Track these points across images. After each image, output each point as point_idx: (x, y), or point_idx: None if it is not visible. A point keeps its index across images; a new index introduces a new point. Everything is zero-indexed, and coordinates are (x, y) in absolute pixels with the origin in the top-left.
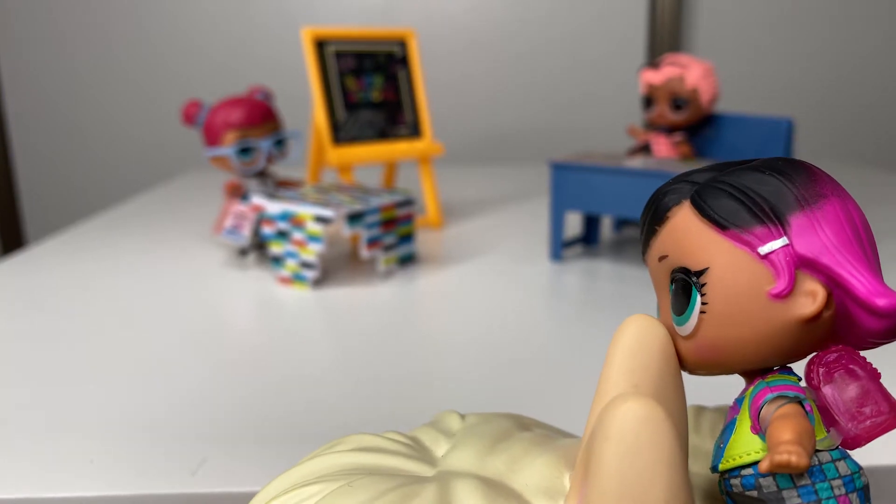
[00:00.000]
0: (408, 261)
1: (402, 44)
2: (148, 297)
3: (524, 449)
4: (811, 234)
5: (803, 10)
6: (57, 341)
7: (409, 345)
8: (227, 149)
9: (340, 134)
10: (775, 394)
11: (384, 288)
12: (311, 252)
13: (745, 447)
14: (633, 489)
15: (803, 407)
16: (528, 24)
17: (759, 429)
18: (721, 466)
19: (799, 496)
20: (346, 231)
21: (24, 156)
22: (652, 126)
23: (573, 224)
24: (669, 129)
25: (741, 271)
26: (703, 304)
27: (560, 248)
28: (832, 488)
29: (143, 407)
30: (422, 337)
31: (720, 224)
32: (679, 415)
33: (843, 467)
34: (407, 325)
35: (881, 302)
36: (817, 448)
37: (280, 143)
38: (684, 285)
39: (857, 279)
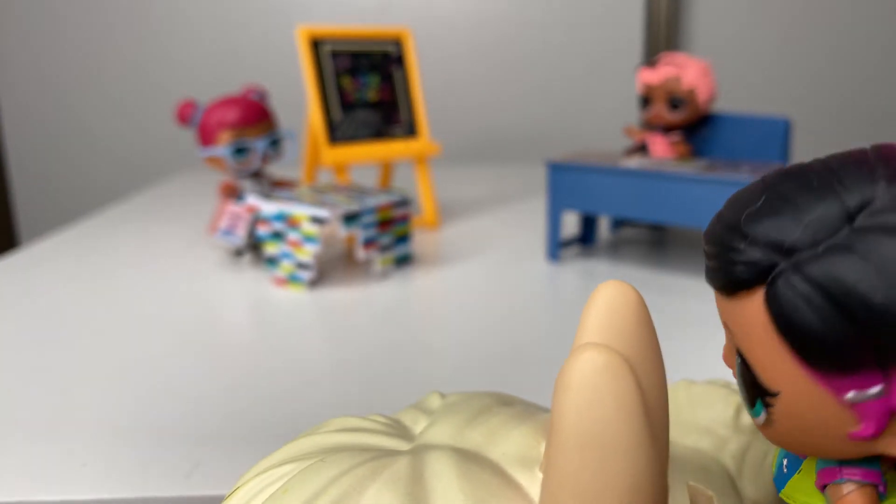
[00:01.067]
0: (404, 261)
1: (398, 43)
2: (142, 299)
3: (502, 421)
4: None
5: (800, 9)
6: (50, 343)
7: (405, 345)
8: (222, 149)
9: (336, 134)
10: (844, 478)
11: (380, 288)
12: (307, 253)
13: (807, 496)
14: (593, 439)
15: (877, 488)
16: (525, 23)
17: (821, 487)
18: (783, 495)
19: None
20: (341, 231)
21: (17, 156)
22: (649, 126)
23: (570, 224)
24: (666, 129)
25: (816, 410)
26: (769, 414)
27: (557, 247)
28: None
29: (137, 409)
30: (418, 337)
31: (802, 356)
32: (653, 377)
33: None
34: (403, 325)
35: None
36: None
37: (275, 143)
38: (747, 378)
39: None
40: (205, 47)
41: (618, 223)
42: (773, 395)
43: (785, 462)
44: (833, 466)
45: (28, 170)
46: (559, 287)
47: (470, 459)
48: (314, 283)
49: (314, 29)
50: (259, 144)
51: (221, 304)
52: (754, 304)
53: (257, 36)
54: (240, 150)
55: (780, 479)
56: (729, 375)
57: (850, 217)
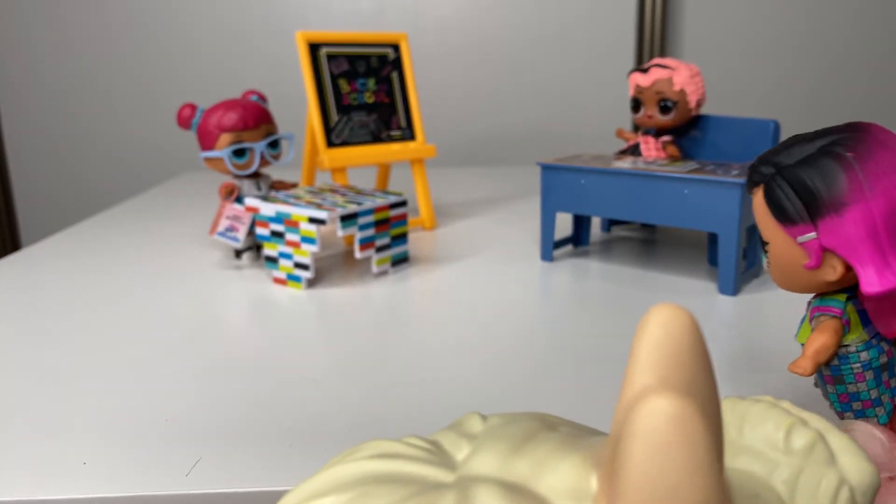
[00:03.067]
0: (401, 261)
1: (395, 47)
2: (143, 298)
3: (549, 451)
4: (834, 232)
5: (788, 13)
6: (51, 342)
7: (402, 344)
8: (222, 151)
9: (333, 136)
10: (818, 313)
11: (377, 288)
12: (305, 253)
13: (806, 334)
14: (664, 491)
15: (841, 320)
16: (519, 27)
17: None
18: (798, 340)
19: (829, 371)
20: (339, 232)
21: (18, 158)
22: (640, 128)
23: (564, 225)
24: (657, 131)
25: (786, 250)
26: (767, 261)
27: (551, 248)
28: (852, 368)
29: (137, 407)
30: (414, 336)
31: (776, 218)
32: (711, 408)
33: (864, 355)
34: (400, 324)
35: (868, 289)
36: (845, 343)
37: (274, 145)
38: (761, 240)
39: (859, 270)
40: (205, 52)
41: (609, 223)
42: (766, 243)
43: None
44: (814, 307)
45: (29, 172)
46: (553, 286)
47: (518, 495)
48: (312, 282)
49: (312, 33)
50: (258, 147)
51: (221, 303)
52: (758, 196)
53: (256, 41)
54: (239, 153)
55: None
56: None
57: (821, 149)
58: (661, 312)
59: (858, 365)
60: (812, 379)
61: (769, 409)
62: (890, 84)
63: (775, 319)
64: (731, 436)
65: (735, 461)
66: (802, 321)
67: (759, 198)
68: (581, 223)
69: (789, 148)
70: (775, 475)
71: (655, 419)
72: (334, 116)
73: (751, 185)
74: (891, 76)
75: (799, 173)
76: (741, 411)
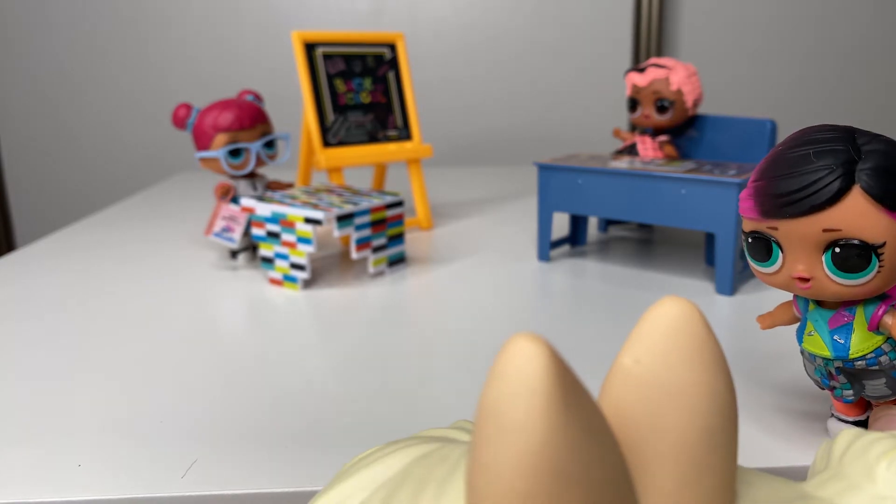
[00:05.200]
0: (397, 261)
1: (391, 47)
2: (138, 299)
3: None
4: None
5: (784, 12)
6: (45, 343)
7: (399, 344)
8: (217, 151)
9: (330, 136)
10: (889, 306)
11: (374, 288)
12: (302, 253)
13: (869, 341)
14: (491, 412)
15: None
16: (516, 27)
17: (874, 328)
18: (852, 356)
19: None
20: (336, 232)
21: (13, 158)
22: (637, 128)
23: (561, 224)
24: (654, 131)
25: None
26: (880, 265)
27: (548, 248)
28: None
29: (132, 409)
30: (411, 337)
31: (890, 209)
32: (688, 398)
33: None
34: (397, 325)
35: None
36: None
37: (270, 145)
38: (859, 252)
39: None
40: (201, 51)
41: (606, 223)
42: (882, 245)
43: (836, 337)
44: (875, 307)
45: (24, 173)
46: (550, 286)
47: None
48: (308, 283)
49: (309, 33)
50: (254, 146)
51: (217, 304)
52: (852, 200)
53: (252, 40)
54: (235, 153)
55: (842, 350)
56: None
57: (857, 148)
58: (662, 305)
59: None
60: (812, 378)
61: (882, 439)
62: (888, 84)
63: None
64: (832, 463)
65: (824, 489)
66: (847, 331)
67: (854, 201)
68: (578, 223)
69: (829, 152)
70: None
71: (506, 353)
72: (330, 116)
73: (837, 196)
74: (889, 76)
75: (885, 154)
76: (853, 442)
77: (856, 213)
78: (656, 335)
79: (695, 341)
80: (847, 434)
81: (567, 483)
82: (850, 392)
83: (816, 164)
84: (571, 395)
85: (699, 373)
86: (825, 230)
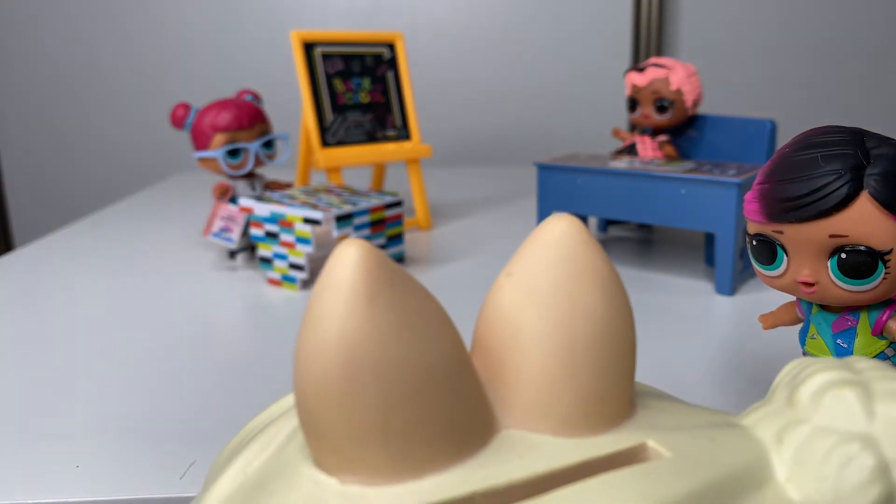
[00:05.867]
0: (396, 262)
1: (390, 46)
2: (137, 299)
3: None
4: None
5: (784, 14)
6: (43, 344)
7: None
8: (216, 151)
9: (328, 136)
10: (895, 310)
11: None
12: (300, 253)
13: (873, 346)
14: (315, 315)
15: None
16: (515, 26)
17: (878, 333)
18: None
19: None
20: (335, 233)
21: (11, 159)
22: (637, 128)
23: None
24: (654, 131)
25: None
26: (886, 272)
27: None
28: None
29: (131, 409)
30: None
31: None
32: (538, 301)
33: None
34: None
35: None
36: None
37: (268, 145)
38: (866, 259)
39: None
40: (199, 51)
41: (606, 223)
42: (889, 251)
43: (839, 341)
44: (879, 313)
45: (21, 173)
46: None
47: None
48: (307, 283)
49: (307, 33)
50: (252, 146)
51: (215, 304)
52: (859, 206)
53: (251, 40)
54: (233, 153)
55: (845, 354)
56: None
57: (865, 152)
58: (547, 222)
59: None
60: None
61: (812, 363)
62: (888, 84)
63: None
64: (769, 393)
65: (748, 417)
66: (851, 335)
67: (862, 207)
68: None
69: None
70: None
71: (332, 256)
72: (329, 116)
73: (845, 202)
74: (889, 76)
75: (894, 159)
76: (791, 369)
77: (863, 220)
78: (531, 249)
79: (566, 253)
80: (790, 363)
81: (368, 373)
82: None
83: (824, 169)
84: (383, 292)
85: (564, 283)
86: (831, 236)
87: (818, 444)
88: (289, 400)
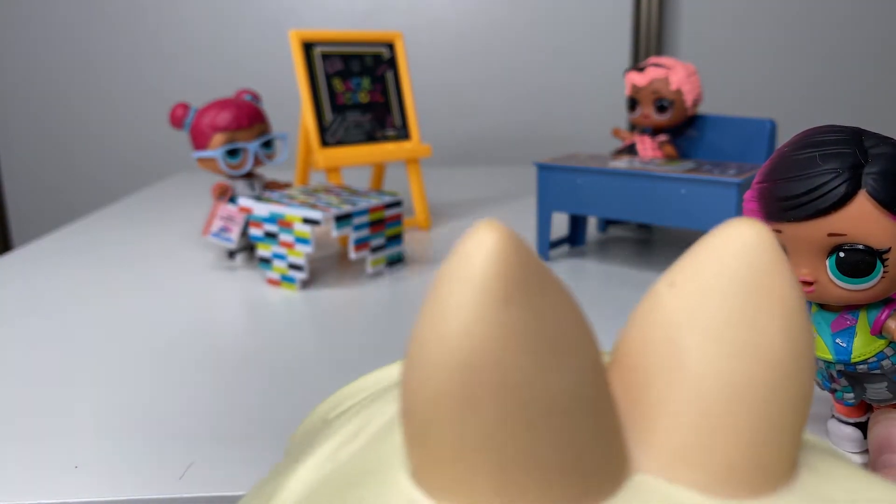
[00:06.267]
0: (396, 262)
1: (390, 46)
2: (135, 300)
3: None
4: None
5: (785, 12)
6: (42, 343)
7: (397, 345)
8: (215, 151)
9: (328, 136)
10: (894, 309)
11: (372, 289)
12: (300, 254)
13: (872, 345)
14: (433, 304)
15: None
16: (515, 26)
17: (877, 332)
18: (854, 360)
19: None
20: (334, 233)
21: (9, 159)
22: (636, 127)
23: (560, 224)
24: (654, 131)
25: None
26: (885, 271)
27: (547, 248)
28: None
29: (129, 409)
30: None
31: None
32: (705, 325)
33: None
34: (395, 325)
35: None
36: None
37: (268, 144)
38: (864, 257)
39: None
40: (198, 51)
41: (606, 223)
42: (887, 250)
43: (838, 340)
44: (878, 312)
45: (20, 173)
46: None
47: None
48: (306, 283)
49: (307, 32)
50: (251, 146)
51: (214, 304)
52: (857, 204)
53: (250, 39)
54: (232, 152)
55: (844, 353)
56: None
57: (863, 151)
58: (730, 225)
59: None
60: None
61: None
62: (888, 84)
63: None
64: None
65: None
66: (850, 335)
67: (860, 206)
68: (577, 223)
69: (836, 155)
70: None
71: (463, 239)
72: (328, 116)
73: (843, 200)
74: (889, 76)
75: (892, 158)
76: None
77: (861, 218)
78: (706, 258)
79: (749, 272)
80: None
81: (492, 386)
82: (851, 395)
83: (822, 168)
84: (522, 294)
85: (743, 309)
86: (830, 234)
87: None
88: (390, 371)
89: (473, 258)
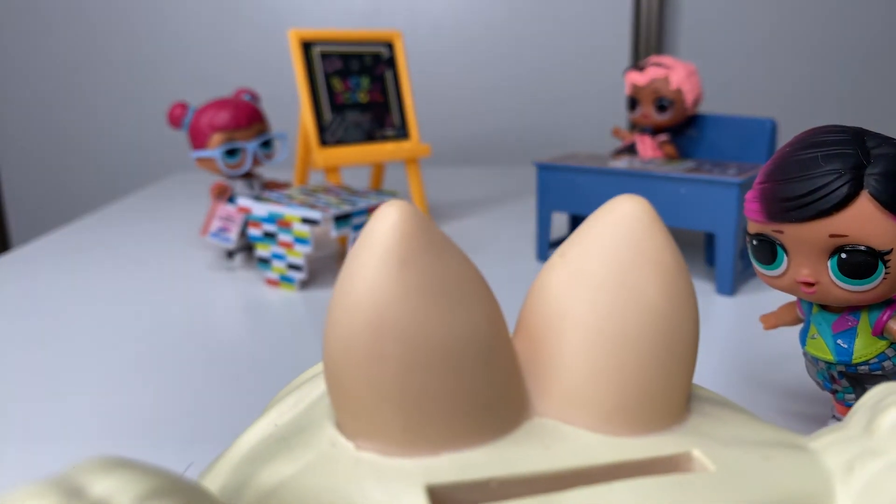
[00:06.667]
0: None
1: (389, 45)
2: (133, 300)
3: None
4: None
5: (785, 11)
6: (40, 344)
7: None
8: (214, 151)
9: (327, 135)
10: (894, 311)
11: None
12: (299, 254)
13: (873, 346)
14: (346, 268)
15: None
16: (514, 26)
17: (879, 333)
18: (855, 361)
19: None
20: (333, 233)
21: (8, 159)
22: (637, 127)
23: (559, 224)
24: (654, 130)
25: None
26: (886, 272)
27: (547, 248)
28: None
29: (129, 409)
30: None
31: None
32: (591, 284)
33: None
34: None
35: None
36: None
37: (266, 144)
38: (866, 258)
39: None
40: (197, 50)
41: None
42: (889, 251)
43: (839, 341)
44: (880, 313)
45: (19, 173)
46: None
47: None
48: (305, 283)
49: (306, 31)
50: (250, 146)
51: (213, 304)
52: (859, 205)
53: (249, 39)
54: (231, 152)
55: (845, 354)
56: None
57: (865, 152)
58: (613, 202)
59: None
60: (814, 381)
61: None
62: (888, 84)
63: None
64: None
65: (819, 439)
66: (851, 336)
67: (862, 207)
68: (577, 223)
69: (837, 156)
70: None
71: (374, 214)
72: (328, 115)
73: (845, 201)
74: (889, 76)
75: (894, 159)
76: (875, 394)
77: (863, 219)
78: (591, 230)
79: (626, 238)
80: (879, 386)
81: (393, 338)
82: (853, 396)
83: (824, 169)
84: (419, 256)
85: (619, 269)
86: (831, 235)
87: (893, 479)
88: None
89: (376, 230)
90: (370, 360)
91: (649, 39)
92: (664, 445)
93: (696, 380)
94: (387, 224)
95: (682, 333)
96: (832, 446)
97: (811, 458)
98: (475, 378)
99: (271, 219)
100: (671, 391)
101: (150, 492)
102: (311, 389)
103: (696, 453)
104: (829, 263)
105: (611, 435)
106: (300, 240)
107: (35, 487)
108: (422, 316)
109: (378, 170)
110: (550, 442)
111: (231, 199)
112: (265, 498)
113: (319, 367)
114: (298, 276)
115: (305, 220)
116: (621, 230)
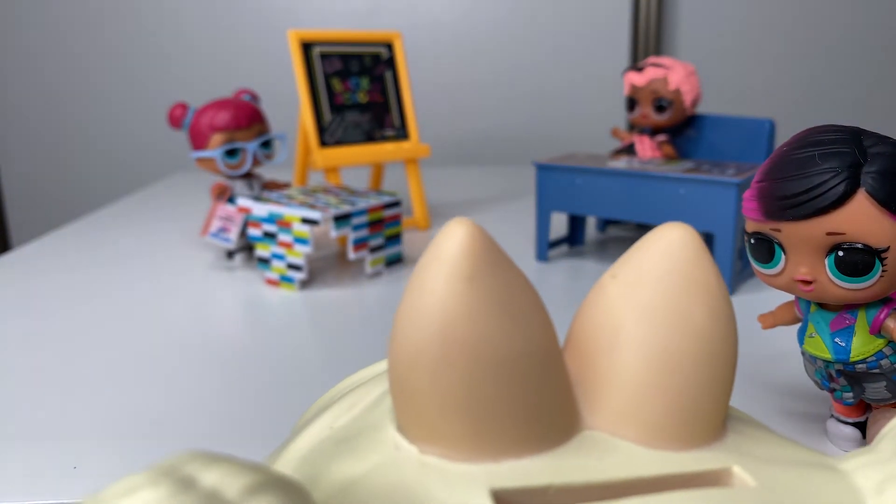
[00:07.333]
0: (395, 262)
1: (389, 46)
2: (133, 300)
3: None
4: None
5: (784, 11)
6: (41, 344)
7: None
8: (214, 151)
9: (327, 136)
10: (893, 309)
11: (371, 289)
12: (298, 254)
13: (871, 344)
14: (414, 281)
15: None
16: (513, 26)
17: (876, 331)
18: (853, 359)
19: None
20: (333, 233)
21: (8, 159)
22: (635, 127)
23: (559, 224)
24: (653, 130)
25: None
26: (883, 270)
27: (546, 248)
28: None
29: (128, 409)
30: None
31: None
32: (641, 307)
33: None
34: None
35: None
36: None
37: (266, 144)
38: (863, 256)
39: None
40: (197, 51)
41: (605, 223)
42: (886, 249)
43: (837, 340)
44: (877, 311)
45: (19, 173)
46: (548, 286)
47: None
48: (305, 283)
49: (305, 32)
50: (250, 146)
51: (214, 304)
52: (856, 203)
53: (249, 39)
54: (231, 153)
55: (843, 352)
56: None
57: (862, 150)
58: (663, 228)
59: None
60: (812, 380)
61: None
62: (888, 84)
63: None
64: (873, 442)
65: (848, 462)
66: (849, 334)
67: (859, 205)
68: (576, 223)
69: (835, 154)
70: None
71: (440, 232)
72: (327, 116)
73: (842, 199)
74: (889, 76)
75: (891, 157)
76: None
77: (860, 217)
78: (642, 254)
79: (675, 264)
80: None
81: (461, 349)
82: (850, 394)
83: (821, 167)
84: (484, 274)
85: (669, 294)
86: (829, 233)
87: None
88: (380, 366)
89: (445, 246)
90: (438, 370)
91: (648, 40)
92: (707, 461)
93: None
94: (454, 241)
95: (724, 356)
96: (863, 468)
97: (843, 478)
98: (534, 389)
99: (271, 219)
100: (713, 409)
101: (256, 485)
102: (365, 394)
103: (737, 469)
104: (826, 261)
105: (658, 449)
106: (300, 240)
107: (145, 477)
108: (486, 329)
109: (378, 170)
110: (602, 454)
111: (231, 200)
112: (338, 494)
113: (367, 371)
114: (298, 276)
115: (305, 221)
116: (670, 255)
